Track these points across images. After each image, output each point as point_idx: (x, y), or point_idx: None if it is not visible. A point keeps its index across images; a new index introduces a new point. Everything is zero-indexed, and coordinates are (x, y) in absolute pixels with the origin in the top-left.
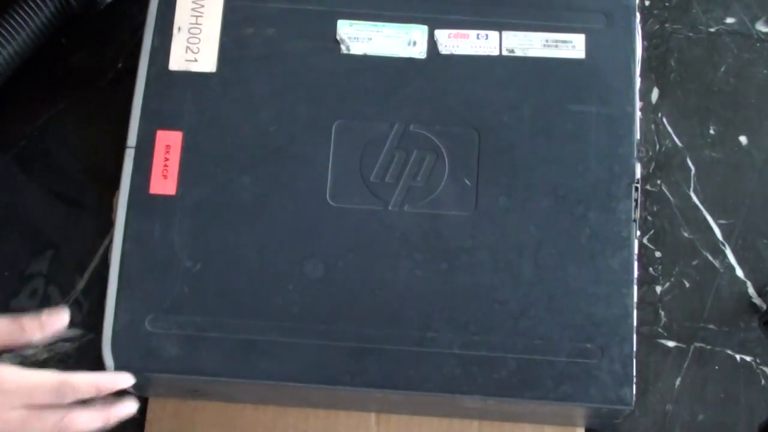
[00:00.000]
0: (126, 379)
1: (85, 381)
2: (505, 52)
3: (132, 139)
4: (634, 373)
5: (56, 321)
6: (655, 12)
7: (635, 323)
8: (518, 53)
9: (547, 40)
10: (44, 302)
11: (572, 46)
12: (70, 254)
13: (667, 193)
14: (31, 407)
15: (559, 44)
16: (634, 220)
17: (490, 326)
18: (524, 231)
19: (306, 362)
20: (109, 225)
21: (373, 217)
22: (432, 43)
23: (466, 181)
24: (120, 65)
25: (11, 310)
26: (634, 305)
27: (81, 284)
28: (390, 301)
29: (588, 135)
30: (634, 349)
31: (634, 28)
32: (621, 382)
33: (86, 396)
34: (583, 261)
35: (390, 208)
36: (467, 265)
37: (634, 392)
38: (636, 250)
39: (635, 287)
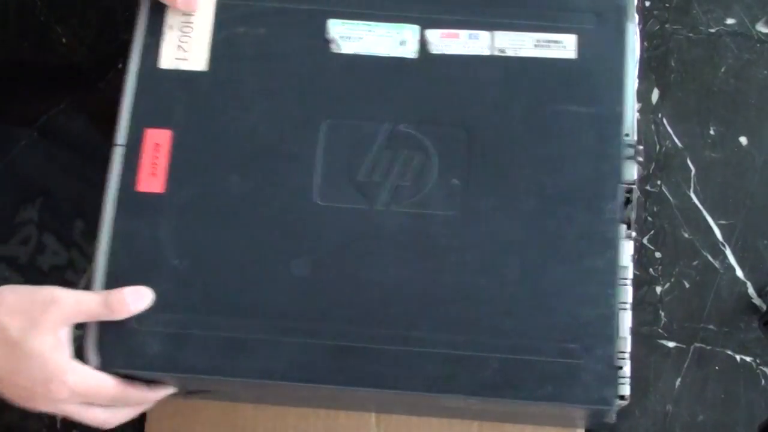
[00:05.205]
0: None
1: (137, 397)
2: (496, 52)
3: (121, 137)
4: (629, 374)
5: (140, 300)
6: (656, 12)
7: (629, 324)
8: (509, 53)
9: (538, 40)
10: None
11: (563, 46)
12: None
13: (667, 193)
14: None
15: (550, 44)
16: (628, 223)
17: (475, 326)
18: (511, 231)
19: (291, 360)
20: None
21: (361, 216)
22: (423, 43)
23: (454, 181)
24: (120, 65)
25: None
26: (619, 306)
27: (81, 284)
28: (375, 300)
29: (577, 135)
30: (629, 349)
31: (626, 29)
32: (605, 383)
33: (130, 407)
34: (569, 261)
35: (377, 207)
36: (453, 265)
37: (628, 392)
38: (630, 251)
39: (628, 288)
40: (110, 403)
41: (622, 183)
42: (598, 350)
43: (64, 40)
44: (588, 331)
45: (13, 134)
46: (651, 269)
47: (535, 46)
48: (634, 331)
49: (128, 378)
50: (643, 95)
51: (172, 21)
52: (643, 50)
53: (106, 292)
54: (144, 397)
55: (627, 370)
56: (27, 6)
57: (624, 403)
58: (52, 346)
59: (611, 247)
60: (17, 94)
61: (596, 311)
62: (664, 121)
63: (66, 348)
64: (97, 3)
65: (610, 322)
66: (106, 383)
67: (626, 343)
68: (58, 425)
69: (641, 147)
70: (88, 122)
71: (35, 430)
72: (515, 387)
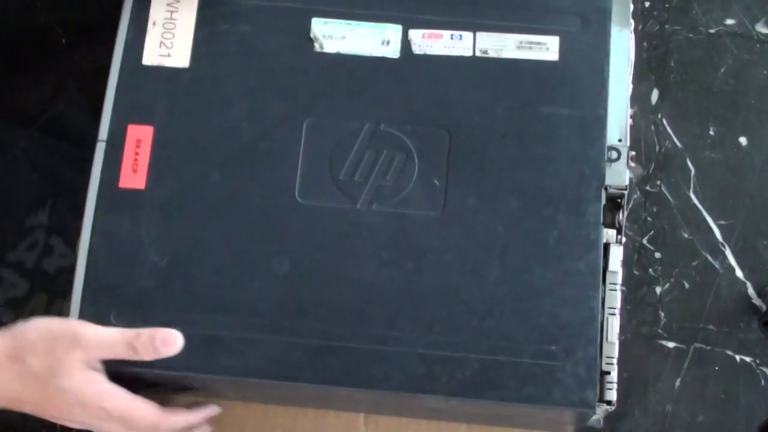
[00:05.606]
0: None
1: (179, 421)
2: (478, 53)
3: (103, 132)
4: (616, 379)
5: (170, 346)
6: (655, 13)
7: (617, 329)
8: (491, 54)
9: (520, 42)
10: None
11: (546, 48)
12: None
13: (667, 193)
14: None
15: (533, 46)
16: (619, 228)
17: (455, 326)
18: (492, 232)
19: (270, 358)
20: None
21: (342, 215)
22: (406, 43)
23: (435, 182)
24: None
25: None
26: (608, 311)
27: None
28: (355, 299)
29: (559, 137)
30: (617, 354)
31: (609, 31)
32: (585, 385)
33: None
34: (551, 263)
35: (358, 206)
36: (434, 265)
37: (615, 398)
38: (619, 256)
39: (617, 293)
40: (151, 429)
41: (605, 186)
42: (578, 352)
43: (63, 40)
44: (569, 333)
45: (14, 135)
46: (651, 269)
47: (518, 47)
48: (634, 331)
49: (115, 378)
50: (642, 96)
51: (155, 18)
52: (642, 51)
53: (133, 333)
54: (187, 421)
55: (614, 375)
56: (27, 6)
57: (611, 408)
58: (84, 380)
59: (593, 250)
60: (17, 94)
61: (577, 313)
62: (664, 121)
63: (98, 375)
64: (97, 3)
65: (591, 324)
66: (143, 409)
67: (614, 349)
68: (58, 425)
69: (633, 153)
70: (88, 121)
71: (35, 430)
72: (495, 388)
